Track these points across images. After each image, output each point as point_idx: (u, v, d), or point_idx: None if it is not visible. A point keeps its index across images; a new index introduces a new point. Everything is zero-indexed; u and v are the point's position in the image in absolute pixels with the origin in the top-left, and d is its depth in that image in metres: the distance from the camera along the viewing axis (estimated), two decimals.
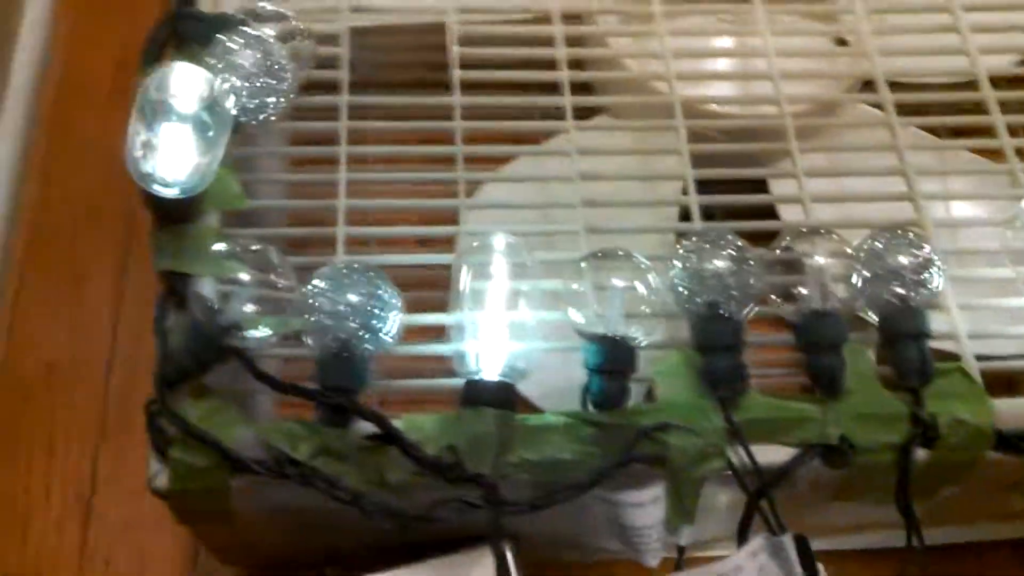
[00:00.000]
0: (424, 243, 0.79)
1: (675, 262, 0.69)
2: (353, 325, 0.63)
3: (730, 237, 0.69)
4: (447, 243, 0.77)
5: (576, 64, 0.84)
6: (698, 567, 0.66)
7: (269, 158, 0.82)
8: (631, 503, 0.66)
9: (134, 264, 0.96)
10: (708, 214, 0.77)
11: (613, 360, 0.66)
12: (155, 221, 0.69)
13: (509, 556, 0.66)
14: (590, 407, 0.66)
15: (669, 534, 0.69)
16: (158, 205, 0.67)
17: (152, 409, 0.64)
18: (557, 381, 0.69)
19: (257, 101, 0.72)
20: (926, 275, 0.69)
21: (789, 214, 0.82)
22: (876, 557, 0.79)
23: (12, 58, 1.04)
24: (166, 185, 0.65)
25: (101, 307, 0.94)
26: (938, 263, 0.69)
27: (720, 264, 0.68)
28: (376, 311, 0.64)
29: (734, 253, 0.68)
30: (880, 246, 0.70)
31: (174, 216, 0.69)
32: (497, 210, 0.81)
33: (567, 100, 0.81)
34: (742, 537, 0.66)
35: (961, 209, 0.84)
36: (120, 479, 0.87)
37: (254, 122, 0.73)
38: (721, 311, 0.67)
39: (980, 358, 0.71)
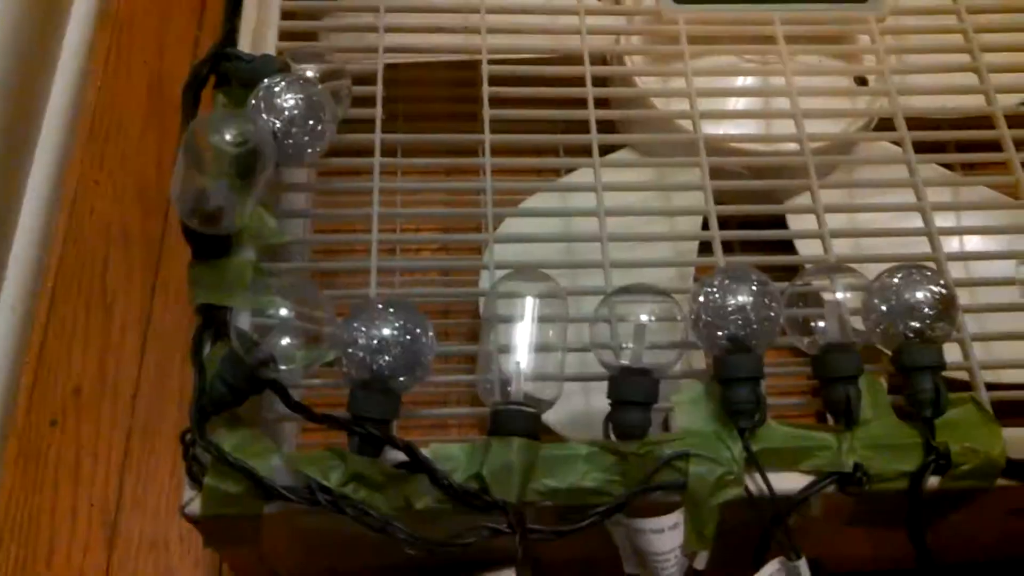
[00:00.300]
0: (445, 272, 0.81)
1: (699, 297, 0.70)
2: (387, 358, 0.65)
3: (753, 274, 0.70)
4: (469, 272, 0.79)
5: (602, 102, 0.86)
6: None
7: (301, 192, 0.84)
8: (651, 529, 0.67)
9: (161, 289, 0.98)
10: (726, 246, 0.78)
11: (636, 391, 0.68)
12: (194, 255, 0.71)
13: None
14: (612, 436, 0.67)
15: (687, 559, 0.70)
16: (198, 240, 0.70)
17: (187, 439, 0.66)
18: (580, 410, 0.71)
19: (297, 142, 0.74)
20: (942, 310, 0.70)
21: (808, 248, 0.84)
22: None
23: (51, 86, 1.07)
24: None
25: (129, 332, 0.96)
26: (954, 299, 0.70)
27: (742, 299, 0.69)
28: (410, 345, 0.66)
29: (756, 288, 0.69)
30: (897, 281, 0.71)
31: (212, 251, 0.71)
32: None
33: (594, 137, 0.83)
34: (758, 562, 0.68)
35: (975, 242, 0.85)
36: (145, 501, 0.88)
37: (293, 162, 0.75)
38: (742, 344, 0.69)
39: (991, 387, 0.73)
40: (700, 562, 0.69)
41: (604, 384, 0.69)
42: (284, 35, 0.86)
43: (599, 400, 0.69)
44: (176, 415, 0.91)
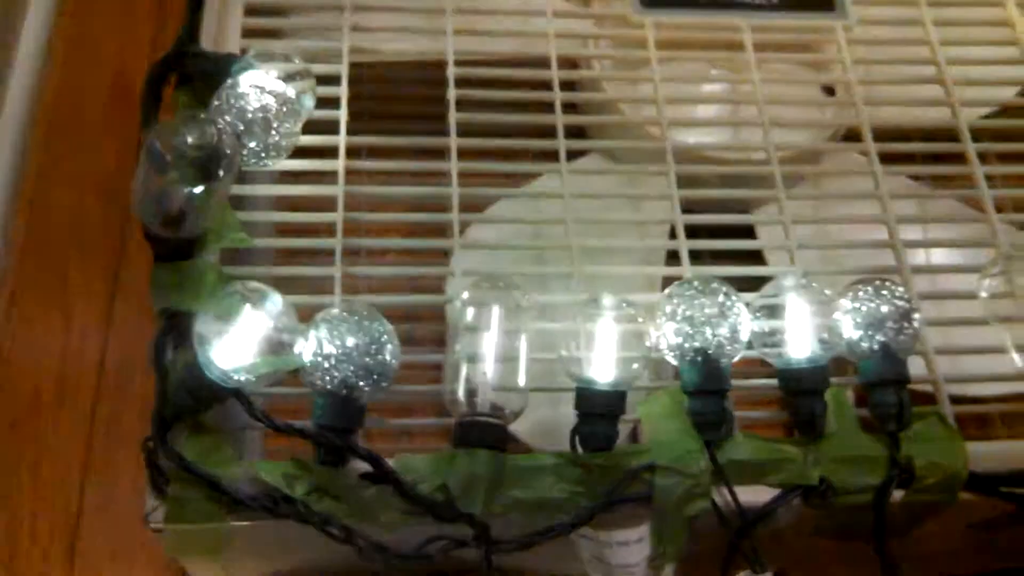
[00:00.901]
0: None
1: (666, 307, 0.70)
2: (351, 367, 0.64)
3: (717, 285, 0.70)
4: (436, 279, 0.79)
5: (570, 107, 0.85)
6: None
7: (263, 195, 0.83)
8: (617, 541, 0.68)
9: (123, 290, 0.97)
10: (694, 254, 0.78)
11: (603, 404, 0.67)
12: (156, 258, 0.70)
13: None
14: (579, 448, 0.67)
15: (653, 572, 0.70)
16: (160, 243, 0.69)
17: (149, 447, 0.65)
18: (548, 419, 0.71)
19: (260, 144, 0.73)
20: (906, 324, 0.70)
21: (775, 259, 0.84)
22: None
23: (9, 81, 1.05)
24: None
25: (89, 335, 0.94)
26: (918, 313, 0.71)
27: (709, 311, 0.69)
28: (374, 354, 0.65)
29: (722, 300, 0.70)
30: (862, 295, 0.71)
31: (175, 254, 0.70)
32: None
33: (561, 143, 0.82)
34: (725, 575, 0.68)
35: (940, 255, 0.86)
36: (107, 508, 0.87)
37: (256, 164, 0.74)
38: (709, 356, 0.69)
39: (956, 400, 0.73)
40: (667, 575, 0.69)
41: (572, 393, 0.68)
42: (247, 32, 0.84)
43: (567, 409, 0.68)
44: (138, 421, 0.89)
